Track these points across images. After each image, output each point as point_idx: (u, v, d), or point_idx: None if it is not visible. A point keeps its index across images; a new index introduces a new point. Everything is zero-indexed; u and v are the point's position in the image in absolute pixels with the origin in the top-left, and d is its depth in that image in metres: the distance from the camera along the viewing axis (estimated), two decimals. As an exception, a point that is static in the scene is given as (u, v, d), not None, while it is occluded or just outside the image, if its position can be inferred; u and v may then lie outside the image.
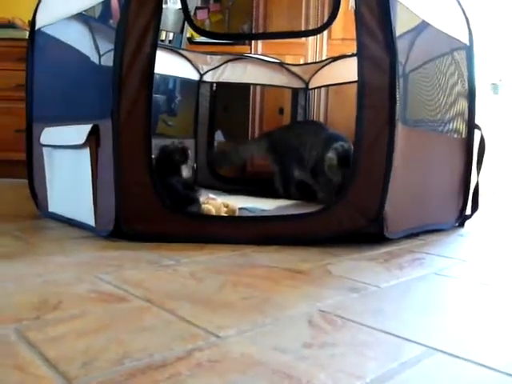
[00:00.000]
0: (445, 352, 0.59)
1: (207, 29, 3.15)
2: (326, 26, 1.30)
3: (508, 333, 0.67)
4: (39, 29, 1.56)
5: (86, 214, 1.28)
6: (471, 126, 1.58)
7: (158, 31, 1.17)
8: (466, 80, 1.57)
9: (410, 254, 1.14)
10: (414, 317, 0.72)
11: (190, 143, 2.51)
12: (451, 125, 1.53)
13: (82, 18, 1.43)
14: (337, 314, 0.71)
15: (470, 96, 1.58)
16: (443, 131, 1.49)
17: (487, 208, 2.08)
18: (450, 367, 0.56)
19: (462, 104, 1.57)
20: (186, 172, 1.41)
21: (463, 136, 1.58)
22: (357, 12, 1.16)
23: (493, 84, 2.63)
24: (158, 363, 0.53)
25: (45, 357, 0.53)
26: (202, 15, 3.32)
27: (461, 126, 1.57)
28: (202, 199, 1.43)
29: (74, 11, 1.42)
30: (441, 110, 1.48)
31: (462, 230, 1.53)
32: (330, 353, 0.58)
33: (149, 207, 1.18)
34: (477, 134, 1.58)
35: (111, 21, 2.27)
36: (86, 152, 1.26)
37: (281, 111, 2.71)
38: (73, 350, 0.56)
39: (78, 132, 1.28)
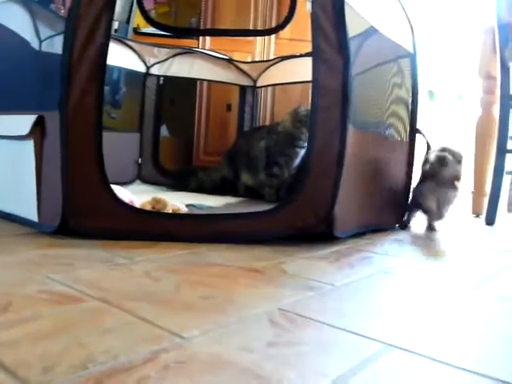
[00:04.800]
0: (401, 348, 0.62)
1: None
2: (282, 27, 1.33)
3: (454, 327, 0.72)
4: (-24, 9, 1.45)
5: (27, 208, 1.22)
6: (413, 130, 1.66)
7: (111, 20, 1.14)
8: (410, 86, 1.65)
9: (358, 253, 1.19)
10: (370, 314, 0.75)
11: (134, 137, 2.45)
12: (394, 128, 1.60)
13: (22, 0, 1.35)
14: (296, 312, 0.73)
15: (413, 102, 1.66)
16: (387, 134, 1.56)
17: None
18: (406, 363, 0.58)
19: (405, 109, 1.65)
20: None
21: (405, 140, 1.65)
22: (313, 15, 1.18)
23: (429, 91, 2.78)
24: (124, 366, 0.52)
25: (1, 363, 0.50)
26: (147, 5, 3.23)
27: (403, 130, 1.65)
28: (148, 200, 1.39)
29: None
30: (385, 113, 1.54)
31: (403, 231, 1.61)
32: (295, 351, 0.59)
33: (98, 202, 1.14)
34: (421, 138, 1.67)
35: (52, 5, 2.15)
36: (30, 143, 1.19)
37: (228, 108, 2.71)
38: (31, 355, 0.53)
39: (21, 122, 1.21)
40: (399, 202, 1.65)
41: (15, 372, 0.49)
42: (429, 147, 1.64)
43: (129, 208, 1.20)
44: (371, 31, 1.38)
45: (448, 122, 2.81)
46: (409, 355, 0.60)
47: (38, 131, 1.17)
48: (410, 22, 1.61)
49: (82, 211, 1.13)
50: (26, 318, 0.63)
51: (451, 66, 2.78)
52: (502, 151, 1.84)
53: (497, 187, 1.86)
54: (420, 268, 1.09)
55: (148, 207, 1.36)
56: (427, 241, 1.47)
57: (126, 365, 0.52)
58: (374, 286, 0.92)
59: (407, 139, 1.66)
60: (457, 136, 2.80)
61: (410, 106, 1.66)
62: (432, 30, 2.68)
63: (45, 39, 1.37)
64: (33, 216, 1.20)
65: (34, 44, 1.38)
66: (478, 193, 2.07)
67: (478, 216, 2.06)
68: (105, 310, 0.69)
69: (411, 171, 1.67)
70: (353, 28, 1.25)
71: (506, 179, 1.96)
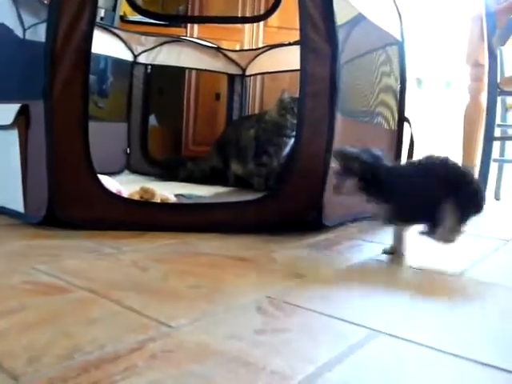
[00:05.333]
0: (387, 333, 0.63)
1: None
2: (269, 13, 1.31)
3: (440, 313, 0.72)
4: (-43, -4, 1.41)
5: (13, 199, 1.20)
6: (401, 118, 1.66)
7: (96, 8, 1.12)
8: (398, 74, 1.65)
9: (347, 241, 1.19)
10: (357, 301, 0.76)
11: (122, 127, 2.43)
12: (382, 116, 1.60)
13: (5, -13, 1.33)
14: (284, 300, 0.73)
15: (401, 90, 1.66)
16: (374, 122, 1.56)
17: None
18: (392, 348, 0.59)
19: (393, 97, 1.65)
20: None
21: (393, 128, 1.66)
22: (301, 3, 1.17)
23: (417, 79, 2.78)
24: (110, 356, 0.52)
25: (-15, 354, 0.50)
26: (134, -7, 3.18)
27: (391, 118, 1.65)
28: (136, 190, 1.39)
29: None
30: (373, 101, 1.54)
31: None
32: (282, 338, 0.59)
33: (85, 192, 1.13)
34: (407, 127, 1.67)
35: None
36: (14, 133, 1.17)
37: (217, 97, 2.69)
38: (16, 346, 0.52)
39: (5, 111, 1.19)
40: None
41: (1, 363, 0.48)
42: (413, 140, 1.64)
43: (116, 198, 1.19)
44: (359, 18, 1.37)
45: (436, 110, 2.82)
46: (396, 341, 0.61)
47: (23, 121, 1.16)
48: (397, 9, 1.61)
49: (68, 201, 1.12)
50: (12, 309, 0.63)
51: (439, 53, 2.78)
52: (489, 139, 1.86)
53: (484, 175, 1.88)
54: (409, 254, 1.10)
55: (136, 197, 1.35)
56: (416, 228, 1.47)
57: (113, 354, 0.52)
58: (362, 273, 0.93)
59: (395, 128, 1.66)
60: (444, 124, 2.81)
61: (398, 94, 1.66)
62: (420, 17, 2.67)
63: (29, 27, 1.34)
64: (18, 207, 1.18)
65: (18, 32, 1.35)
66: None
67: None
68: (91, 300, 0.68)
69: (399, 159, 1.68)
70: (341, 16, 1.24)
71: (493, 166, 1.98)
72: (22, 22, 1.35)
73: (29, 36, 1.33)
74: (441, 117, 2.80)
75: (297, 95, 1.95)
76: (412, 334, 0.63)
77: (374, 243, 1.19)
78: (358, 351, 0.57)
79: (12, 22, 1.36)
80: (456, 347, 0.59)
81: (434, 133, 2.79)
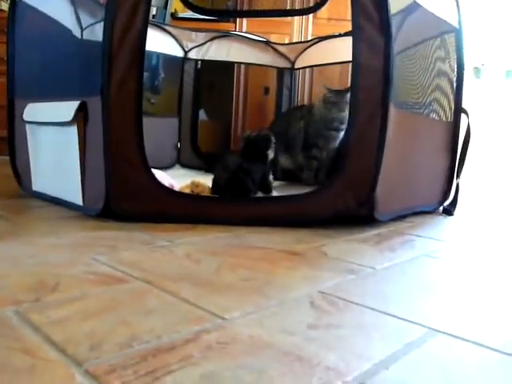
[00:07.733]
0: (446, 333, 0.61)
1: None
2: (320, 5, 1.29)
3: (501, 313, 0.69)
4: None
5: (72, 192, 1.26)
6: (458, 110, 1.59)
7: (149, 6, 1.14)
8: (455, 63, 1.58)
9: (400, 236, 1.16)
10: (412, 298, 0.74)
11: (173, 122, 2.48)
12: (438, 108, 1.54)
13: (64, -12, 1.38)
14: (337, 295, 0.72)
15: (458, 80, 1.59)
16: (429, 114, 1.50)
17: (467, 191, 2.13)
18: (452, 348, 0.57)
19: (449, 88, 1.58)
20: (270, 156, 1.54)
21: (449, 120, 1.59)
22: (353, -8, 1.15)
23: (475, 68, 2.66)
24: (167, 345, 0.53)
25: (51, 340, 0.52)
26: (184, -11, 3.23)
27: (447, 109, 1.58)
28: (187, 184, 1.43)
29: (58, -18, 1.36)
30: (427, 92, 1.48)
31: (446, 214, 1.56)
32: (336, 334, 0.58)
33: (140, 186, 1.16)
34: (464, 119, 1.60)
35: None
36: (74, 129, 1.22)
37: (266, 91, 2.69)
38: (79, 333, 0.55)
39: (65, 108, 1.24)
40: (441, 183, 1.60)
41: (65, 349, 0.51)
42: (469, 132, 1.56)
43: (169, 192, 1.22)
44: (414, 6, 1.32)
45: (495, 101, 2.69)
46: (454, 340, 0.59)
47: (81, 117, 1.20)
48: (455, -4, 1.53)
49: (123, 195, 1.15)
50: (74, 298, 0.66)
51: (499, 40, 2.64)
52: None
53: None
54: (464, 251, 1.06)
55: (187, 191, 1.38)
56: (473, 224, 1.42)
57: (169, 344, 0.53)
58: (416, 269, 0.90)
59: (451, 119, 1.60)
60: (504, 116, 2.67)
61: (454, 84, 1.59)
62: (478, 1, 2.55)
63: (86, 27, 1.39)
64: (77, 200, 1.24)
65: (76, 32, 1.41)
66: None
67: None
68: (147, 290, 0.70)
69: (455, 152, 1.61)
70: (395, 4, 1.20)
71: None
72: (79, 23, 1.40)
73: (86, 36, 1.38)
74: (500, 108, 2.66)
75: (341, 88, 1.94)
76: (472, 334, 0.60)
77: (427, 239, 1.15)
78: (416, 350, 0.56)
79: (70, 23, 1.41)
80: (521, 349, 0.56)
81: (493, 125, 2.66)
